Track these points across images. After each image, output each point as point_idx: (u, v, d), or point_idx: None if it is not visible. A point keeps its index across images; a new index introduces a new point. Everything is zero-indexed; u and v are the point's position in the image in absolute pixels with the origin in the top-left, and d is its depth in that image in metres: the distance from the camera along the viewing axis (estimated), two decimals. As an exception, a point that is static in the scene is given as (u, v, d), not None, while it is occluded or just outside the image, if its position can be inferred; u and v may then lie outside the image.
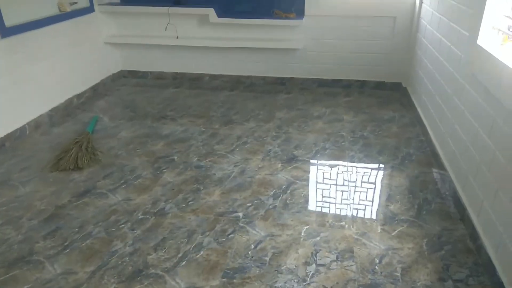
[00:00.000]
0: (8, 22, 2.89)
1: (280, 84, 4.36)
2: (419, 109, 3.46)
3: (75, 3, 3.59)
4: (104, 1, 4.09)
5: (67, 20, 3.52)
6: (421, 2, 3.65)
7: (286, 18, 3.97)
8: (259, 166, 2.76)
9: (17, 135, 3.09)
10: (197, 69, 4.47)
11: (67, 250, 1.99)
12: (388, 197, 2.41)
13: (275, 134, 3.24)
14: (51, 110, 3.45)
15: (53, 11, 3.37)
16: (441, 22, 3.00)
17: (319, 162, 2.82)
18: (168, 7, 4.02)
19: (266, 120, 3.51)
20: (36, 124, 3.29)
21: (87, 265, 1.89)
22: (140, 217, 2.23)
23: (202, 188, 2.50)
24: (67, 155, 2.74)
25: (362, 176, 2.65)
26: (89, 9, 3.84)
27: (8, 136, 3.01)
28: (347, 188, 2.52)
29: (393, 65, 4.11)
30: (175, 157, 2.87)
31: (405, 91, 4.03)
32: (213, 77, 4.47)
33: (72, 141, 2.95)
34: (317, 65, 4.24)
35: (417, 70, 3.66)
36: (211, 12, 4.02)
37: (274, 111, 3.69)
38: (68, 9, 3.48)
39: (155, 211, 2.28)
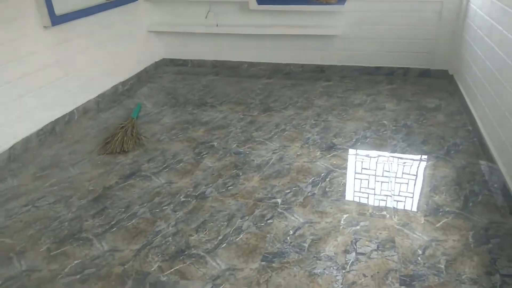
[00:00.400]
0: (58, 10, 3.02)
1: (320, 72, 4.30)
2: (466, 98, 3.31)
3: (120, -8, 3.70)
4: (147, -11, 4.19)
5: (112, 9, 3.63)
6: (472, -15, 3.46)
7: (327, 3, 3.89)
8: (298, 153, 2.75)
9: (66, 120, 3.25)
10: (235, 57, 4.49)
11: (114, 229, 2.08)
12: (433, 188, 2.34)
13: (314, 122, 3.21)
14: (98, 96, 3.60)
15: (99, 0, 3.48)
16: (493, 6, 2.83)
17: (360, 151, 2.78)
18: (209, -5, 4.06)
19: (304, 107, 3.48)
20: (84, 110, 3.44)
21: (132, 243, 1.98)
22: (182, 199, 2.30)
23: (241, 174, 2.53)
24: (113, 139, 2.86)
25: (405, 166, 2.58)
26: (134, -3, 3.94)
27: (58, 121, 3.17)
28: (388, 178, 2.46)
29: (439, 52, 3.94)
30: (215, 143, 2.92)
31: (451, 78, 3.86)
32: (252, 64, 4.47)
33: (118, 126, 3.07)
34: (358, 52, 4.14)
35: (465, 57, 3.49)
36: (251, -1, 4.01)
37: (313, 98, 3.66)
38: (113, -3, 3.59)
39: (196, 194, 2.34)
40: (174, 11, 4.37)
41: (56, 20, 3.00)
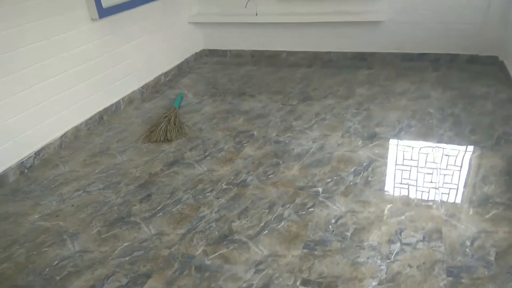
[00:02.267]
0: (105, 3, 3.13)
1: (361, 60, 4.21)
2: (519, 85, 3.13)
3: (163, -16, 3.78)
4: (188, -19, 4.25)
5: (155, 1, 3.71)
6: (528, -36, 3.24)
7: (369, -11, 3.79)
8: (339, 142, 2.72)
9: (113, 109, 3.39)
10: (274, 47, 4.47)
11: (160, 214, 2.16)
12: (482, 178, 2.24)
13: (355, 110, 3.16)
14: (142, 87, 3.72)
15: (143, -8, 3.58)
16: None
17: (403, 140, 2.70)
18: (248, -16, 4.06)
19: (345, 96, 3.42)
20: (129, 100, 3.57)
21: (178, 227, 2.05)
22: (224, 187, 2.35)
23: (281, 163, 2.54)
24: (157, 128, 2.95)
25: (452, 156, 2.49)
26: (175, -10, 4.02)
27: (106, 110, 3.31)
28: (435, 168, 2.39)
29: (487, 37, 3.73)
30: (255, 132, 2.94)
31: (502, 65, 3.65)
32: (291, 54, 4.44)
33: (161, 115, 3.16)
34: (401, 38, 4.00)
35: (519, 41, 3.29)
36: (290, -13, 3.97)
37: (354, 87, 3.59)
38: (156, -10, 3.67)
39: (238, 182, 2.38)
40: (214, 1, 4.41)
41: (103, 12, 3.12)
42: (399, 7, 3.87)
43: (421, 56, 4.01)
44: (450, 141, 2.64)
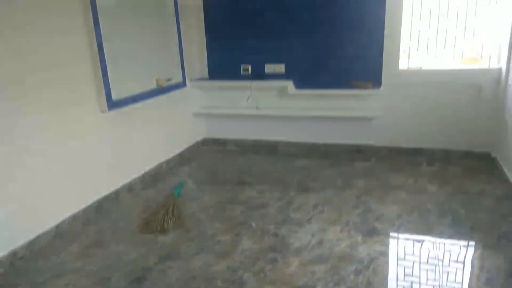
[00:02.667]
0: (115, 96, 3.31)
1: (357, 152, 4.33)
2: (514, 182, 3.18)
3: (171, 79, 4.03)
4: (195, 76, 4.54)
5: (162, 94, 3.94)
6: (507, 71, 3.50)
7: (364, 87, 4.04)
8: (338, 237, 2.69)
9: (113, 197, 3.39)
10: (274, 137, 4.63)
11: (151, 314, 2.05)
12: (487, 281, 2.17)
13: (353, 203, 3.17)
14: (143, 175, 3.77)
15: (151, 86, 3.80)
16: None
17: (404, 236, 2.67)
18: (250, 81, 4.34)
19: (343, 188, 3.46)
20: (129, 187, 3.59)
21: (169, 331, 1.93)
22: (219, 285, 2.26)
23: (279, 258, 2.48)
24: (154, 218, 2.93)
25: (454, 254, 2.44)
26: (182, 84, 4.27)
27: (106, 198, 3.31)
28: (436, 267, 2.32)
29: (480, 134, 3.89)
30: (253, 224, 2.92)
31: (495, 161, 3.75)
32: (289, 144, 4.59)
33: (160, 204, 3.16)
34: (396, 133, 4.17)
35: (508, 139, 3.42)
36: (289, 84, 4.24)
37: (352, 179, 3.64)
38: (164, 84, 3.91)
39: (234, 279, 2.30)
40: (218, 96, 4.67)
41: (113, 105, 3.28)
42: (392, 105, 4.09)
43: (416, 151, 4.13)
44: (450, 238, 2.61)
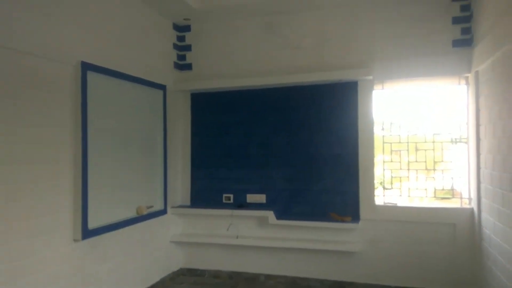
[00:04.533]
0: (91, 224, 3.25)
1: (340, 289, 4.15)
2: (502, 330, 3.03)
3: (152, 206, 4.04)
4: (176, 204, 4.57)
5: (141, 222, 3.89)
6: (479, 211, 3.63)
7: (342, 221, 4.08)
8: None
9: (72, 336, 3.08)
10: (253, 269, 4.47)
11: None
12: None
13: None
14: (109, 309, 3.49)
15: (131, 214, 3.78)
16: (507, 234, 2.91)
17: None
18: (232, 210, 4.37)
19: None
20: (92, 324, 3.29)
21: None
22: None
23: None
24: None
25: None
26: (163, 212, 4.27)
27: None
28: None
29: (458, 273, 3.83)
30: None
31: (480, 303, 3.62)
32: (269, 277, 4.40)
33: None
34: (376, 270, 4.08)
35: (487, 280, 3.36)
36: (270, 214, 4.28)
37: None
38: (145, 212, 3.90)
39: None
40: (198, 223, 4.64)
41: (87, 234, 3.20)
42: (370, 240, 4.09)
43: (399, 289, 4.00)
44: None
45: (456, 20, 3.86)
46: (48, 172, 2.92)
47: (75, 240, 3.14)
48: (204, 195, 4.65)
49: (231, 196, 4.56)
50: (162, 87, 4.32)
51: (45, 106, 2.92)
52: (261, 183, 4.48)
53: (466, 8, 3.82)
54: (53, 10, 2.99)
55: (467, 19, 3.81)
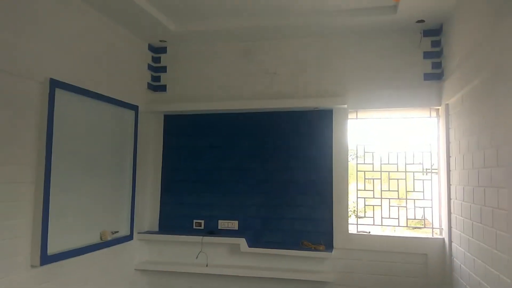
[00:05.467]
0: (51, 249, 3.04)
1: (312, 321, 4.03)
2: None
3: (117, 232, 3.85)
4: (144, 229, 4.38)
5: (105, 248, 3.68)
6: (450, 241, 3.66)
7: (315, 250, 4.01)
8: None
9: None
10: (223, 299, 4.29)
11: None
12: None
13: None
14: None
15: (94, 239, 3.57)
16: (476, 264, 2.92)
17: None
18: (202, 237, 4.22)
19: None
20: None
21: None
22: None
23: None
24: None
25: None
26: (129, 237, 4.07)
27: None
28: None
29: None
30: None
31: (453, 336, 3.59)
32: (240, 309, 4.23)
33: None
34: (351, 301, 4.00)
35: (461, 314, 3.35)
36: (242, 242, 4.15)
37: None
38: (109, 237, 3.70)
39: None
40: (166, 250, 4.44)
41: (46, 260, 2.99)
42: (344, 270, 4.03)
43: (372, 321, 3.92)
44: None
45: (427, 55, 4.01)
46: (7, 192, 2.74)
47: (33, 266, 2.92)
48: (174, 221, 4.49)
49: (202, 222, 4.42)
50: (134, 108, 4.21)
51: (10, 124, 2.77)
52: (234, 209, 4.37)
53: (436, 43, 3.98)
54: (23, 26, 2.88)
55: (438, 54, 3.96)
